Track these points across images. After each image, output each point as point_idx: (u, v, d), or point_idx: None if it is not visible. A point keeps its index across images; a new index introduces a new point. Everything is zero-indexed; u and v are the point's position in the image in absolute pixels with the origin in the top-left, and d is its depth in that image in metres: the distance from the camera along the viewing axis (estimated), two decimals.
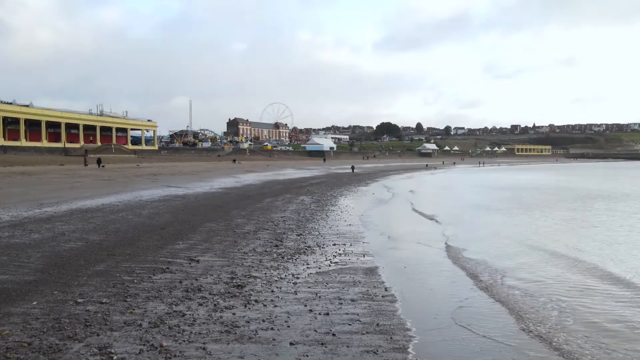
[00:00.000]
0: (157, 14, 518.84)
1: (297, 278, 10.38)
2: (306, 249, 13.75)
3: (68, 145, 74.95)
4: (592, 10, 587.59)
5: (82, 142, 78.17)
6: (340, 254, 13.20)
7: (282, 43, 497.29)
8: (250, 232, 16.17)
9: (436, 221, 20.74)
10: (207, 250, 12.94)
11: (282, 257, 12.47)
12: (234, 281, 9.90)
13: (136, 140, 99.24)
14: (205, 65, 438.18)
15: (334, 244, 14.59)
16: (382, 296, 9.20)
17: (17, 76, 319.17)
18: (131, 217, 18.23)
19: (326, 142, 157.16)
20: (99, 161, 53.35)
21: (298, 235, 15.94)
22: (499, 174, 78.53)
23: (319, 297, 9.03)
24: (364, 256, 12.99)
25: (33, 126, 72.99)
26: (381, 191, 37.72)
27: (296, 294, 9.20)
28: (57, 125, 75.35)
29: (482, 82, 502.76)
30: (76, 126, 78.92)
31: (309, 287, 9.66)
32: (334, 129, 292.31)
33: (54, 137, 76.00)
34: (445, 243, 15.44)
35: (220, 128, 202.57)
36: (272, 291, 9.31)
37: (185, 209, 21.45)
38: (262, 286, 9.65)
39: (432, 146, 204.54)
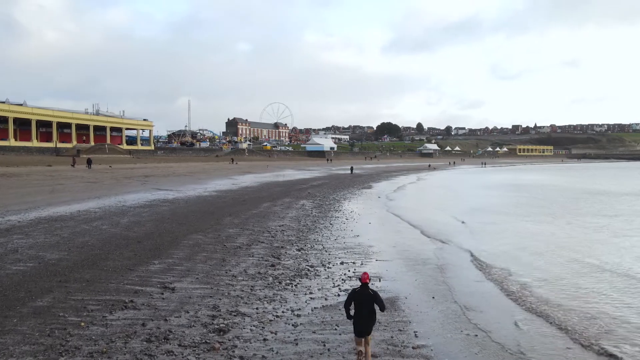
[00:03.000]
0: (164, 15, 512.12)
1: (298, 316, 8.02)
2: (308, 269, 11.39)
3: (60, 145, 72.40)
4: (597, 11, 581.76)
5: (74, 142, 75.68)
6: (350, 276, 10.82)
7: (287, 44, 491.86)
8: (242, 246, 13.81)
9: (457, 231, 18.39)
10: (188, 272, 10.57)
11: (280, 282, 10.11)
12: (214, 322, 7.53)
13: (132, 140, 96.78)
14: (210, 66, 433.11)
15: (342, 262, 12.22)
16: (412, 347, 6.84)
17: (25, 77, 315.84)
18: (106, 227, 15.85)
19: (326, 142, 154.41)
20: (88, 162, 50.91)
21: (298, 250, 13.58)
22: (507, 174, 76.04)
23: (328, 349, 6.66)
24: (379, 280, 10.61)
25: (24, 125, 70.53)
26: (387, 194, 35.33)
27: (297, 344, 6.83)
28: (48, 124, 72.86)
29: (486, 83, 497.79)
30: (69, 125, 76.44)
31: (314, 332, 7.29)
32: (334, 129, 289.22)
33: (46, 136, 73.52)
34: (476, 262, 13.07)
35: (220, 128, 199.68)
36: (265, 339, 6.95)
37: (172, 216, 19.07)
38: (251, 330, 7.29)
39: (433, 146, 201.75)
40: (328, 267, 11.67)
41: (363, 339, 6.02)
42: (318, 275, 10.90)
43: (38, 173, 37.08)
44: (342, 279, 10.58)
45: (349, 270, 11.37)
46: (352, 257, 12.89)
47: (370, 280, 6.16)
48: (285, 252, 13.23)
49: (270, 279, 10.39)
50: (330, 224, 19.00)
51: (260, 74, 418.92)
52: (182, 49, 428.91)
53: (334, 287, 9.98)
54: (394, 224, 19.86)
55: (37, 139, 71.28)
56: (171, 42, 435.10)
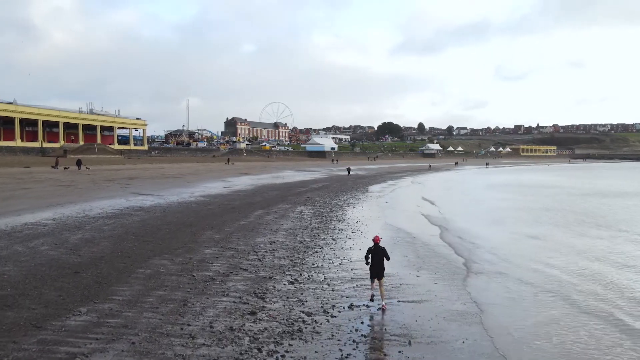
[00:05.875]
0: (172, 17, 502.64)
1: None
2: (304, 320, 7.89)
3: (46, 145, 68.68)
4: (602, 13, 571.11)
5: (62, 142, 72.01)
6: (365, 335, 7.32)
7: (290, 44, 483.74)
8: (216, 276, 10.31)
9: (490, 253, 14.91)
10: (123, 331, 7.05)
11: (259, 350, 6.61)
12: None
13: (125, 140, 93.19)
14: (215, 67, 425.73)
15: (351, 306, 8.73)
16: None
17: (33, 78, 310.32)
18: (46, 247, 12.34)
19: (327, 142, 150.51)
20: (78, 163, 47.35)
21: (291, 283, 10.10)
22: (515, 175, 72.41)
23: None
24: (409, 343, 7.08)
25: (8, 124, 66.95)
26: (395, 198, 31.81)
27: None
28: (34, 123, 69.23)
29: (490, 84, 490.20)
30: (56, 124, 72.89)
31: None
32: (334, 129, 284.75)
33: (32, 136, 69.84)
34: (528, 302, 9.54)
35: (219, 128, 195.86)
36: None
37: (140, 229, 15.57)
38: None
39: (435, 146, 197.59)
40: (332, 316, 8.18)
41: (376, 281, 8.67)
42: (318, 332, 7.39)
43: (7, 175, 33.52)
44: (354, 341, 7.07)
45: (362, 322, 7.87)
46: (365, 294, 9.36)
47: (381, 240, 9.02)
48: (274, 287, 9.74)
49: (246, 341, 6.90)
50: (333, 239, 15.51)
51: (262, 74, 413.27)
52: (188, 50, 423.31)
53: (342, 358, 6.47)
54: (409, 241, 16.25)
55: (21, 138, 67.58)
56: (177, 44, 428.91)
